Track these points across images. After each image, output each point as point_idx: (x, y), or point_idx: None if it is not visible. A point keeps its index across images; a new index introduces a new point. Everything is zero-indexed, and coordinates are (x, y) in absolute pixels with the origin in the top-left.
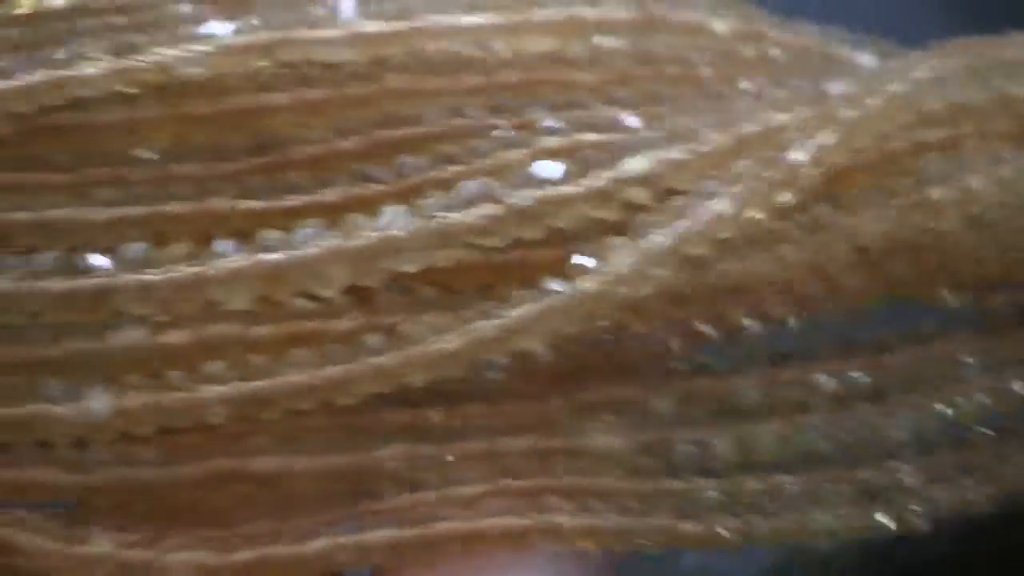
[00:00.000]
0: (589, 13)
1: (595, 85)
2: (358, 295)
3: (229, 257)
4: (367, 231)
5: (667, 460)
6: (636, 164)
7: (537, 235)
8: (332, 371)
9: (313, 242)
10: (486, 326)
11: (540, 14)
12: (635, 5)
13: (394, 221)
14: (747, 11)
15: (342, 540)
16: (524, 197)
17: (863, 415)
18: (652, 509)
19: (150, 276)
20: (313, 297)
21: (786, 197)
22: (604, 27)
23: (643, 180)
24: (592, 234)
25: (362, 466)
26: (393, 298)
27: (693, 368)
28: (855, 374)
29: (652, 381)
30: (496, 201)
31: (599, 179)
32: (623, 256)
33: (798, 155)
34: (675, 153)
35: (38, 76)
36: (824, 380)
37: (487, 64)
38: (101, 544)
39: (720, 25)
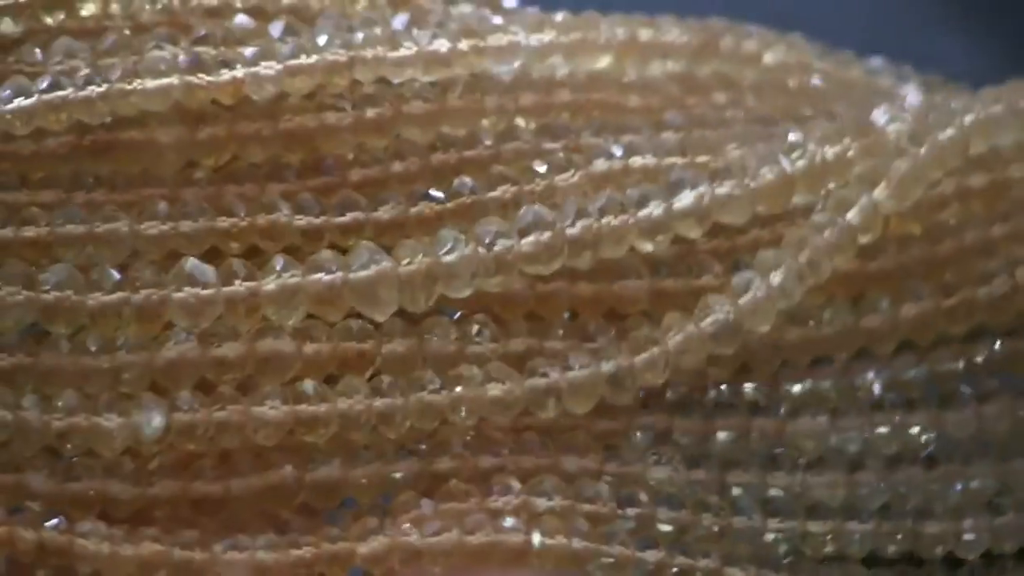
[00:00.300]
0: (648, 36)
1: (647, 108)
2: (409, 319)
3: (282, 275)
4: (419, 256)
5: (720, 498)
6: (687, 198)
7: (586, 265)
8: (382, 403)
9: (366, 264)
10: (537, 382)
11: (601, 35)
12: (694, 31)
13: (447, 246)
14: (795, 41)
15: (396, 541)
16: (577, 226)
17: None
18: (700, 546)
19: (203, 291)
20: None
21: (843, 261)
22: (662, 50)
23: (693, 214)
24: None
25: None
26: (442, 324)
27: (751, 409)
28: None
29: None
30: (549, 229)
31: (651, 212)
32: (679, 335)
33: (854, 217)
34: (726, 188)
35: (103, 87)
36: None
37: (544, 83)
38: (158, 545)
39: (770, 56)
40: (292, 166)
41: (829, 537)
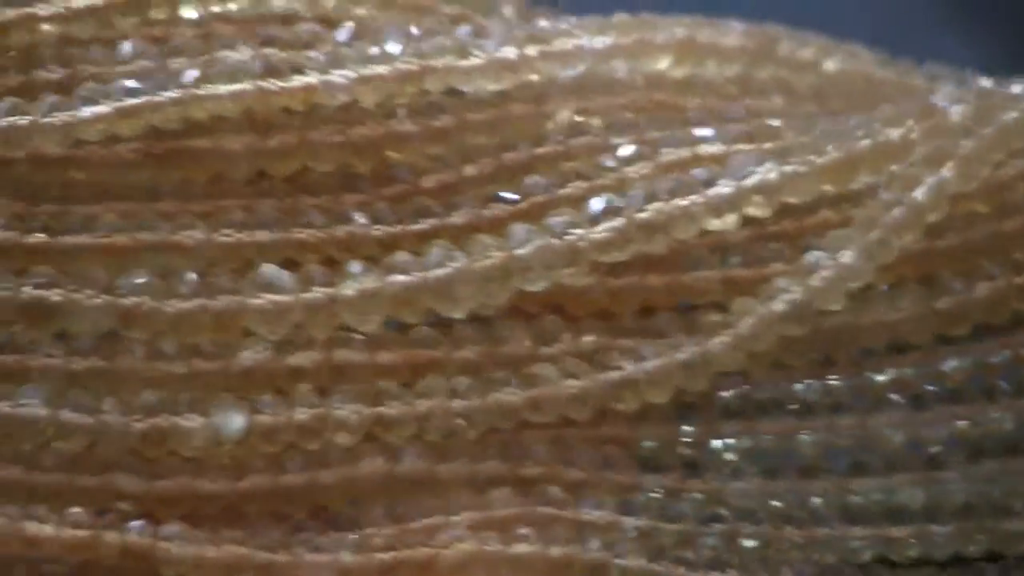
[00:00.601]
0: (707, 37)
1: (707, 108)
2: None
3: (360, 279)
4: (494, 251)
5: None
6: (756, 176)
7: (660, 250)
8: (459, 404)
9: (441, 263)
10: (612, 376)
11: (660, 36)
12: (751, 35)
13: (520, 240)
14: (854, 50)
15: (483, 548)
16: (648, 210)
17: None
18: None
19: (281, 297)
20: (439, 325)
21: (911, 240)
22: (720, 53)
23: (762, 191)
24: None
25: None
26: (516, 327)
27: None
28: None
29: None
30: (620, 215)
31: (720, 190)
32: (751, 318)
33: (922, 195)
34: (793, 166)
35: (177, 92)
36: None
37: (607, 86)
38: (241, 548)
39: (831, 64)
40: (362, 174)
41: (912, 541)
